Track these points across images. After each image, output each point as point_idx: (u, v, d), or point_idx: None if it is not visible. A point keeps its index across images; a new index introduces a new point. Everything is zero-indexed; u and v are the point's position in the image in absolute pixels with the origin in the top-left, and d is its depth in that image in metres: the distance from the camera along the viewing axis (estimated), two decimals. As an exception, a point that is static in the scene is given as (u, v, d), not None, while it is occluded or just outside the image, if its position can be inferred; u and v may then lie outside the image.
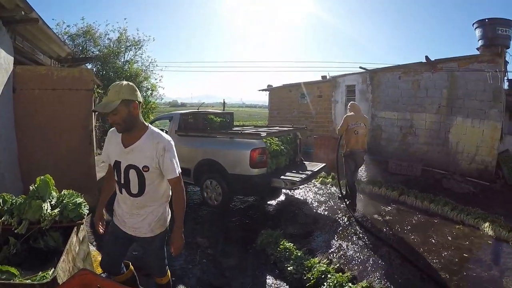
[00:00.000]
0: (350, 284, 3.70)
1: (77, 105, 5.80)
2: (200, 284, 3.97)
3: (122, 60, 18.62)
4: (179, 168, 2.70)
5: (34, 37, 6.52)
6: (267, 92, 18.58)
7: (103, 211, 3.04)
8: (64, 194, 3.57)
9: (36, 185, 3.43)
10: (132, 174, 2.65)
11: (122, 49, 18.54)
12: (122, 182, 2.71)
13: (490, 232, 5.61)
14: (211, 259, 4.65)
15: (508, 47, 11.17)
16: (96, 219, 2.94)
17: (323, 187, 8.74)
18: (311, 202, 7.51)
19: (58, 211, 3.34)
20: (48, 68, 6.42)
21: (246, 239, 5.36)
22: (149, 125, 2.72)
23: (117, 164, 2.69)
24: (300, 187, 8.04)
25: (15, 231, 3.11)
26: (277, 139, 6.90)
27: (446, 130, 10.49)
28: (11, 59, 5.43)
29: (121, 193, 2.77)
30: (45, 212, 3.25)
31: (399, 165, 10.17)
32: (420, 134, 11.24)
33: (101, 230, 2.93)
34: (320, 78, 15.96)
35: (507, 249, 5.08)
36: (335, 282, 3.71)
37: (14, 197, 3.47)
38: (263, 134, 6.41)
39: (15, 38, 5.69)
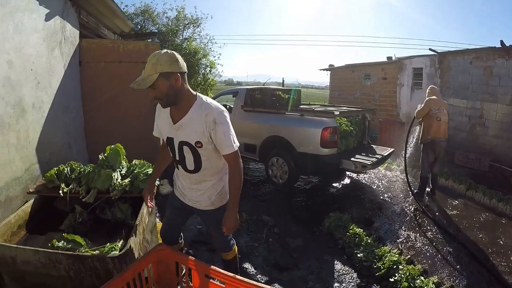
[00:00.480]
0: (422, 278, 3.64)
1: None
2: (267, 263, 4.01)
3: (181, 38, 18.98)
4: (236, 142, 2.48)
5: (98, 12, 6.60)
6: (328, 73, 18.28)
7: (155, 184, 2.98)
8: (135, 164, 3.58)
9: (105, 154, 3.43)
10: (186, 150, 2.53)
11: (180, 27, 18.91)
12: (177, 158, 2.62)
13: None
14: (278, 239, 4.70)
15: None
16: (145, 192, 2.90)
17: (387, 173, 8.57)
18: (376, 187, 7.39)
19: (129, 181, 3.32)
20: (114, 41, 6.53)
21: (311, 220, 5.38)
22: (199, 95, 2.51)
23: (170, 140, 2.59)
24: (367, 171, 7.96)
25: (83, 199, 3.14)
26: (345, 119, 6.79)
27: (520, 124, 9.81)
28: (77, 32, 5.51)
29: (178, 169, 2.72)
30: (114, 181, 3.23)
31: (465, 157, 9.75)
32: (490, 126, 10.52)
33: (149, 204, 2.89)
34: (385, 59, 15.39)
35: None
36: (407, 274, 3.64)
37: (82, 166, 3.54)
38: (336, 113, 6.29)
39: (79, 13, 5.78)
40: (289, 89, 9.45)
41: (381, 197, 6.78)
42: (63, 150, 4.79)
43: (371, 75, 15.45)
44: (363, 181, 7.82)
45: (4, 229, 2.69)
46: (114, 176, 3.20)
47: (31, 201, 3.23)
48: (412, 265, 3.91)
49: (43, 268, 2.41)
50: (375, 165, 6.48)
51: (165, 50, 2.34)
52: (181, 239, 3.25)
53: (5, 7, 3.38)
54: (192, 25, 19.12)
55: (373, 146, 7.63)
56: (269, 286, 2.08)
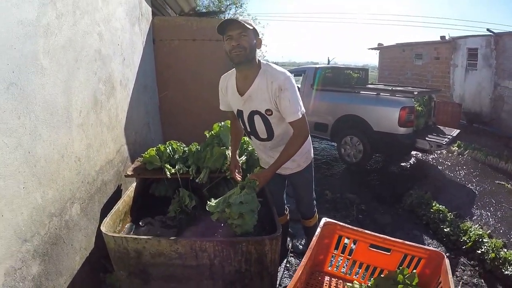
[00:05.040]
0: (505, 250, 3.75)
1: (217, 56, 5.63)
2: None
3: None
4: (302, 109, 2.41)
5: None
6: (377, 52, 18.09)
7: (236, 156, 2.94)
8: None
9: (212, 132, 3.26)
10: (257, 119, 2.53)
11: (222, 9, 18.65)
12: (249, 129, 2.64)
13: None
14: (366, 215, 4.83)
15: None
16: (231, 167, 2.87)
17: (450, 155, 8.48)
18: (442, 168, 7.36)
19: (245, 158, 3.21)
20: (187, 19, 6.37)
21: (391, 198, 5.51)
22: (262, 61, 2.47)
23: (240, 113, 2.59)
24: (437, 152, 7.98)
25: (196, 180, 3.01)
26: (414, 100, 6.72)
27: None
28: (150, 9, 5.45)
29: (251, 139, 2.76)
30: (229, 160, 3.04)
31: None
32: None
33: (238, 178, 2.77)
34: (438, 39, 14.93)
35: None
36: (492, 246, 3.77)
37: (183, 145, 3.44)
38: (415, 93, 6.33)
39: None
40: (359, 68, 9.40)
41: (449, 177, 6.79)
42: (144, 130, 4.76)
43: (423, 55, 15.11)
44: (429, 162, 7.81)
45: (114, 217, 2.61)
46: (228, 154, 3.08)
47: (134, 185, 3.17)
48: (495, 239, 4.01)
49: (179, 259, 2.29)
50: (448, 144, 6.49)
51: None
52: (286, 211, 3.36)
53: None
54: (234, 6, 18.97)
55: (439, 126, 7.58)
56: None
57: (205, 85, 5.69)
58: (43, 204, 2.15)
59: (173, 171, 3.04)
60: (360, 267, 2.41)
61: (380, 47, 17.71)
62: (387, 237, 2.29)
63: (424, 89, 7.93)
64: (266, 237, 2.28)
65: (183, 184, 3.08)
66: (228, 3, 18.77)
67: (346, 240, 2.44)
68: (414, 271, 2.12)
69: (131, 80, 4.32)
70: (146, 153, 3.21)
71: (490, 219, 4.95)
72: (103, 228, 2.31)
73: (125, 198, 2.89)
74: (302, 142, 2.44)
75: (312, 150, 2.92)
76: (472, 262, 3.81)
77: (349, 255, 2.42)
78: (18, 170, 1.91)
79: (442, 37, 14.78)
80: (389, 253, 2.27)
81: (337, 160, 7.35)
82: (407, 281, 1.98)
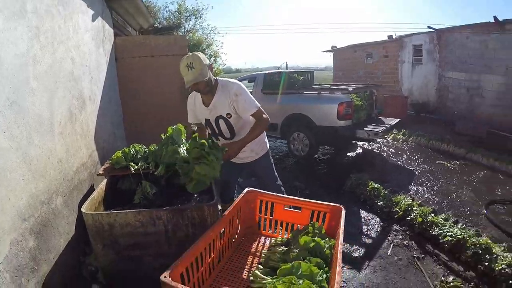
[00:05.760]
0: (432, 215, 4.42)
1: (173, 70, 5.97)
2: None
3: (183, 31, 18.95)
4: (257, 103, 3.05)
5: (126, 11, 7.00)
6: (331, 54, 18.91)
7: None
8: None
9: (167, 134, 3.75)
10: (221, 123, 3.15)
11: (182, 20, 18.79)
12: (216, 132, 3.25)
13: None
14: (310, 199, 5.45)
15: None
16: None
17: (395, 142, 9.39)
18: (386, 155, 8.19)
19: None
20: (145, 37, 6.93)
21: (335, 183, 6.19)
22: (217, 78, 3.14)
23: (207, 121, 3.23)
24: (377, 140, 8.88)
25: (155, 173, 3.43)
26: (355, 95, 7.43)
27: (515, 93, 10.54)
28: (112, 31, 5.95)
29: (219, 140, 3.29)
30: (182, 155, 3.50)
31: (465, 125, 10.49)
32: (487, 95, 11.22)
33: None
34: (386, 38, 16.09)
35: None
36: (420, 212, 4.46)
37: (144, 146, 4.00)
38: (350, 89, 7.06)
39: (111, 13, 6.18)
40: (302, 71, 10.11)
41: (391, 162, 7.65)
42: (110, 138, 5.30)
43: (373, 54, 16.22)
44: (374, 150, 8.66)
45: (91, 204, 3.02)
46: (180, 150, 3.55)
47: (105, 181, 3.60)
48: (424, 207, 4.72)
49: (142, 227, 2.78)
50: (385, 132, 7.27)
51: (196, 52, 2.95)
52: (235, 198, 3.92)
53: (66, 9, 3.86)
54: (193, 17, 19.14)
55: (380, 117, 8.40)
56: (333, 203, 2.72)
57: (162, 95, 6.31)
58: (36, 193, 2.74)
59: (136, 167, 3.60)
60: (282, 226, 2.93)
61: (334, 49, 18.57)
62: (297, 198, 2.90)
63: (360, 85, 8.66)
64: (205, 204, 2.89)
65: (145, 177, 3.58)
66: (188, 15, 18.99)
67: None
68: (322, 223, 2.71)
69: (98, 95, 4.93)
70: (114, 155, 3.79)
71: (426, 193, 5.74)
72: (83, 209, 2.79)
73: (98, 190, 3.35)
74: (265, 125, 3.10)
75: (267, 142, 3.56)
76: (403, 228, 4.53)
77: (271, 216, 2.95)
78: (19, 166, 2.52)
79: (389, 37, 15.88)
80: (300, 211, 2.84)
81: (288, 155, 8.10)
82: (316, 231, 2.53)
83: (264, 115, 3.08)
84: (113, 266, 2.90)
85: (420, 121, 12.17)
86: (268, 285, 1.96)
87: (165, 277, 1.74)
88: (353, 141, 8.37)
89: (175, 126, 3.77)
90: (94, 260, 3.19)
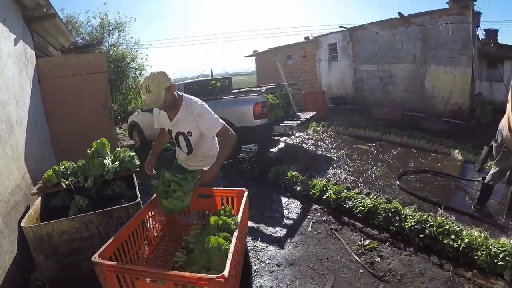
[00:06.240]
0: (345, 191, 4.91)
1: (95, 87, 6.39)
2: None
3: (107, 45, 18.33)
4: (221, 120, 3.14)
5: (46, 32, 7.06)
6: (253, 58, 19.42)
7: (155, 157, 3.56)
8: (119, 150, 4.20)
9: (93, 149, 3.99)
10: (181, 138, 3.29)
11: (105, 34, 18.32)
12: (175, 143, 3.45)
13: (460, 157, 6.91)
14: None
15: (475, 0, 12.23)
16: (147, 164, 3.46)
17: (315, 134, 10.08)
18: (307, 147, 8.79)
19: (118, 163, 3.98)
20: (66, 57, 7.00)
21: (258, 176, 6.60)
22: (183, 95, 3.22)
23: (170, 131, 3.35)
24: (296, 134, 9.63)
25: (85, 186, 3.61)
26: (272, 95, 7.85)
27: (422, 78, 11.72)
28: (33, 53, 5.94)
29: (177, 149, 3.58)
30: (107, 166, 3.78)
31: (380, 111, 11.52)
32: (399, 83, 12.48)
33: (149, 173, 3.45)
34: (303, 40, 16.95)
35: (472, 166, 6.41)
36: (334, 190, 4.92)
37: (73, 163, 4.10)
38: (263, 90, 7.49)
39: (32, 35, 6.17)
40: (221, 78, 10.49)
41: (311, 152, 8.27)
42: (39, 160, 5.28)
43: (292, 55, 17.04)
44: (296, 144, 9.26)
45: (29, 220, 3.11)
46: (105, 162, 3.81)
47: (39, 199, 3.67)
48: (338, 185, 5.20)
49: (77, 233, 2.93)
50: (300, 125, 7.75)
51: (158, 71, 2.99)
52: None
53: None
54: (116, 30, 18.62)
55: (298, 113, 8.90)
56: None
57: (86, 112, 6.41)
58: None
59: (67, 183, 3.73)
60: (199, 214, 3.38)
61: (255, 54, 19.14)
62: (207, 187, 3.25)
63: (273, 86, 9.09)
64: (129, 204, 3.13)
65: (76, 192, 3.73)
66: (111, 28, 18.43)
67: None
68: (231, 206, 3.15)
69: (25, 119, 4.94)
70: (45, 174, 3.86)
71: (343, 174, 6.35)
72: (22, 224, 2.92)
73: (34, 207, 3.45)
74: (232, 141, 3.17)
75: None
76: (321, 206, 4.98)
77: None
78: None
79: (306, 38, 16.75)
80: (211, 198, 3.27)
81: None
82: (227, 213, 2.96)
83: (230, 132, 3.16)
84: (57, 275, 3.04)
85: (340, 112, 13.08)
86: (186, 261, 2.47)
87: (95, 258, 2.07)
88: (275, 137, 9.00)
89: (98, 140, 4.01)
90: (39, 274, 3.29)
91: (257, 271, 3.53)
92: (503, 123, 4.11)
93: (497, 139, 4.27)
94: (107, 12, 19.68)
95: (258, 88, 8.37)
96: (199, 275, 2.06)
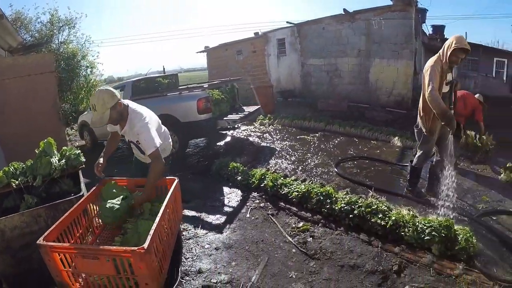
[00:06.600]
0: (282, 178, 5.10)
1: (43, 88, 6.31)
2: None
3: (57, 42, 17.74)
4: (156, 144, 3.23)
5: None
6: (205, 54, 19.42)
7: (105, 159, 3.68)
8: (65, 149, 4.25)
9: (40, 149, 4.02)
10: (133, 146, 3.62)
11: (55, 31, 17.62)
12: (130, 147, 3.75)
13: (399, 144, 7.29)
14: (181, 185, 5.82)
15: None
16: (97, 165, 3.56)
17: (262, 127, 10.26)
18: (253, 139, 8.94)
19: (65, 161, 4.03)
20: (14, 58, 6.90)
21: (204, 169, 6.67)
22: (129, 108, 3.38)
23: (123, 136, 3.61)
24: (243, 127, 9.84)
25: (34, 184, 3.65)
26: (217, 90, 7.96)
27: (366, 71, 12.15)
28: None
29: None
30: (54, 165, 3.82)
31: (326, 103, 11.87)
32: (344, 76, 12.84)
33: (98, 174, 3.56)
34: (253, 35, 17.14)
35: (410, 152, 6.65)
36: (271, 178, 5.10)
37: (22, 163, 4.09)
38: (205, 86, 7.57)
39: None
40: (167, 75, 10.39)
41: (257, 144, 8.41)
42: None
43: (243, 50, 17.12)
44: (242, 137, 9.39)
45: None
46: (52, 161, 3.85)
47: None
48: (275, 174, 5.41)
49: (27, 227, 3.02)
50: (243, 119, 7.88)
51: (102, 89, 3.22)
52: None
53: None
54: (67, 27, 17.92)
55: (243, 107, 8.93)
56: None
57: (35, 113, 6.31)
58: None
59: (17, 182, 3.72)
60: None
61: (207, 50, 19.13)
62: (138, 179, 3.60)
63: (217, 81, 9.24)
64: (74, 197, 3.28)
65: (26, 191, 3.69)
66: (61, 25, 17.61)
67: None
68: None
69: None
70: None
71: (284, 163, 6.53)
72: None
73: None
74: (159, 168, 3.30)
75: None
76: (260, 193, 5.13)
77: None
78: None
79: (256, 33, 16.90)
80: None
81: None
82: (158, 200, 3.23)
83: (158, 159, 3.27)
84: (11, 270, 3.10)
85: (288, 106, 13.32)
86: (121, 243, 2.71)
87: (39, 241, 2.22)
88: (223, 131, 9.07)
89: (45, 140, 4.02)
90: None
91: (197, 256, 3.67)
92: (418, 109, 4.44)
93: (417, 125, 4.56)
94: (57, 8, 18.42)
95: (202, 84, 8.41)
96: (124, 248, 2.37)
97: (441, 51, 4.04)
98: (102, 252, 2.36)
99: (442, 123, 3.93)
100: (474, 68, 17.62)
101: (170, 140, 4.20)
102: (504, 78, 17.66)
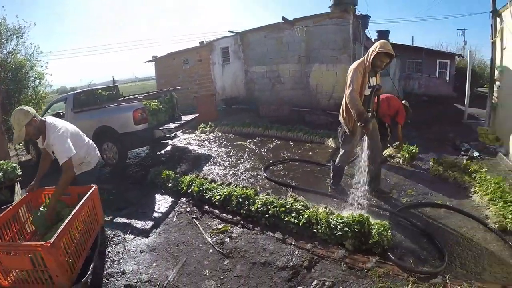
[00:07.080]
0: (208, 183, 5.38)
1: None
2: (112, 209, 5.24)
3: (5, 52, 17.06)
4: (68, 153, 3.59)
5: None
6: (153, 64, 19.44)
7: (38, 180, 4.02)
8: (2, 163, 4.60)
9: None
10: (54, 156, 3.82)
11: (3, 41, 16.99)
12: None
13: (332, 145, 7.71)
14: (119, 195, 5.98)
15: (356, 5, 13.50)
16: (31, 189, 3.94)
17: (202, 135, 10.52)
18: (192, 147, 9.15)
19: (1, 174, 4.37)
20: None
21: (141, 178, 6.82)
22: (46, 123, 3.69)
23: (47, 149, 3.88)
24: (184, 136, 10.18)
25: None
26: (156, 100, 8.15)
27: (307, 76, 12.66)
28: None
29: None
30: None
31: (268, 108, 12.27)
32: (286, 81, 13.31)
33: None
34: (198, 44, 17.41)
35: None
36: (198, 183, 5.36)
37: None
38: (140, 97, 7.71)
39: None
40: (107, 87, 10.41)
41: (195, 152, 8.61)
42: None
43: (189, 59, 17.36)
44: (182, 145, 9.61)
45: None
46: None
47: None
48: (204, 179, 5.71)
49: None
50: (178, 128, 8.10)
51: (17, 109, 3.50)
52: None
53: None
54: (15, 36, 17.26)
55: (182, 116, 9.13)
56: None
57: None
58: None
59: None
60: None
61: (155, 59, 19.19)
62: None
63: (154, 92, 9.51)
64: (5, 207, 3.65)
65: None
66: (9, 34, 16.88)
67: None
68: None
69: None
70: None
71: (216, 169, 6.83)
72: None
73: None
74: (69, 178, 3.62)
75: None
76: (188, 199, 5.37)
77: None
78: None
79: (201, 43, 17.26)
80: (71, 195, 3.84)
81: (105, 165, 8.32)
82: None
83: (69, 169, 3.60)
84: None
85: (232, 113, 13.64)
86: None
87: None
88: (164, 141, 9.31)
89: None
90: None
91: (123, 259, 3.87)
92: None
93: (341, 125, 4.88)
94: (6, 16, 17.48)
95: (138, 96, 8.49)
96: (35, 243, 2.88)
97: (366, 55, 4.29)
98: (17, 248, 2.96)
99: (358, 124, 4.14)
100: (418, 70, 18.72)
101: (97, 152, 4.55)
102: (447, 78, 18.76)
